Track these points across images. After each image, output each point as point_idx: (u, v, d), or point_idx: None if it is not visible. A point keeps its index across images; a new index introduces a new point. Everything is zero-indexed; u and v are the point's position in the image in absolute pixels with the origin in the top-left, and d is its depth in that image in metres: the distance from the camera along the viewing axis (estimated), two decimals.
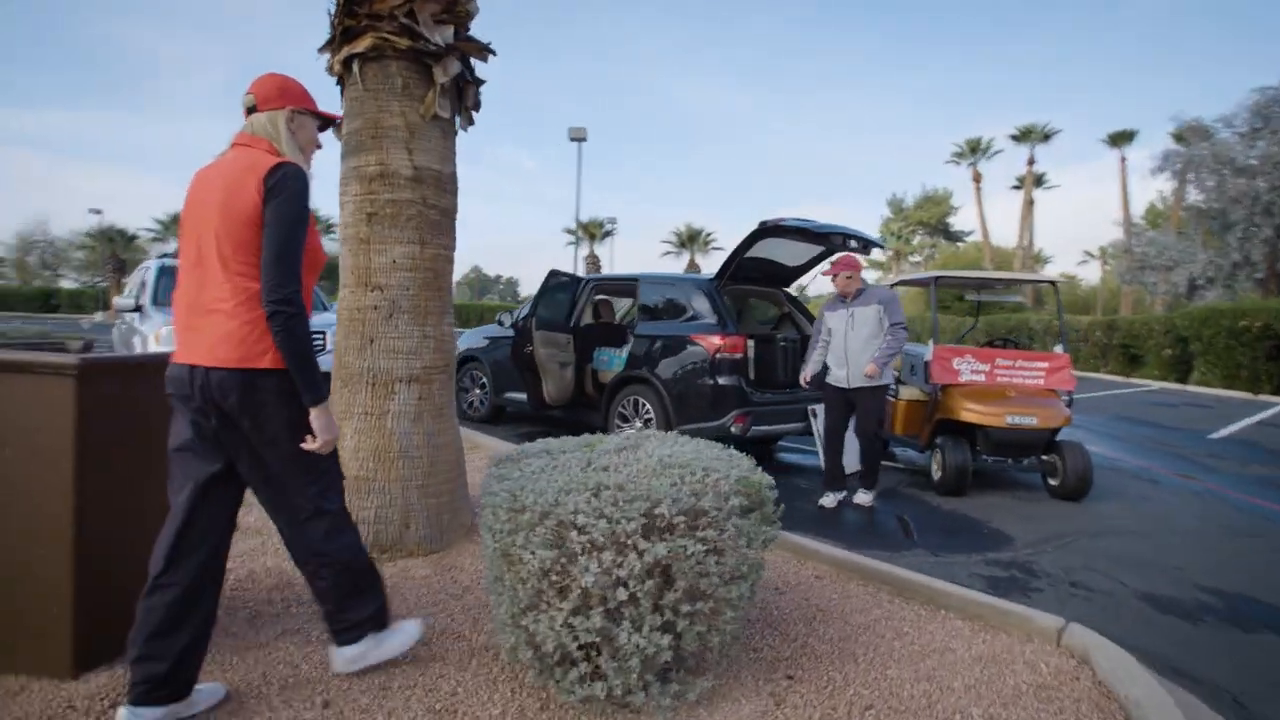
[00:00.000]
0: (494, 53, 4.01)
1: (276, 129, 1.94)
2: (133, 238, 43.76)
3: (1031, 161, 35.51)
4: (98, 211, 39.40)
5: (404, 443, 3.61)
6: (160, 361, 2.06)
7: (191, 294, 1.85)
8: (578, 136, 20.75)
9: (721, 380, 5.37)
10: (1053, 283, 5.90)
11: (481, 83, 4.12)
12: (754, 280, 6.38)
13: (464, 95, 3.90)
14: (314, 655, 2.40)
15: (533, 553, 1.99)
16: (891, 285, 6.48)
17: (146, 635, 1.83)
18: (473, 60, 4.05)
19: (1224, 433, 9.27)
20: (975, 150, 37.55)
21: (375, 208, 3.61)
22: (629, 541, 1.96)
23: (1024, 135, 35.46)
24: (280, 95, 1.97)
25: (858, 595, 3.17)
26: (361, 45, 3.54)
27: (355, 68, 3.62)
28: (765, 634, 2.73)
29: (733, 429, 5.35)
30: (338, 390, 3.71)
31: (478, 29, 3.90)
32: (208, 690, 2.04)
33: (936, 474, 5.38)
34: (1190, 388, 15.68)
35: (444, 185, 3.77)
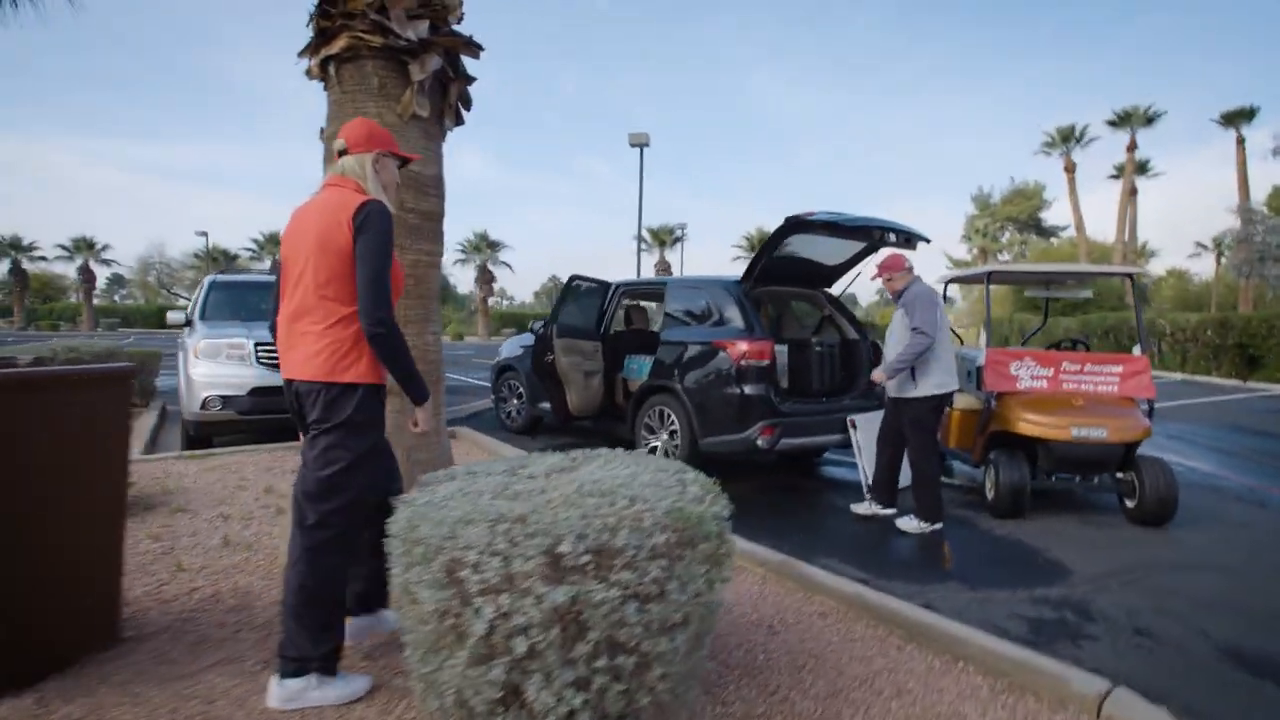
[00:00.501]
0: (482, 47, 3.82)
1: (364, 170, 2.18)
2: (234, 257, 46.97)
3: (1133, 147, 32.73)
4: (203, 234, 42.40)
5: None
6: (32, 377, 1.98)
7: (290, 317, 2.11)
8: (638, 142, 20.56)
9: (747, 389, 4.99)
10: (1129, 275, 5.18)
11: (470, 80, 3.94)
12: (791, 280, 5.95)
13: (448, 93, 3.73)
14: (238, 689, 2.23)
15: (427, 592, 1.74)
16: (942, 281, 5.91)
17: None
18: (464, 58, 3.89)
19: None
20: (1068, 139, 34.98)
21: None
22: (526, 585, 1.68)
23: (1123, 120, 32.73)
24: (368, 140, 2.22)
25: (863, 639, 2.75)
26: (336, 46, 3.42)
27: (332, 70, 3.50)
28: (742, 684, 2.38)
29: (759, 442, 4.95)
30: None
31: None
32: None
33: (990, 493, 4.80)
34: None
35: (425, 188, 3.60)
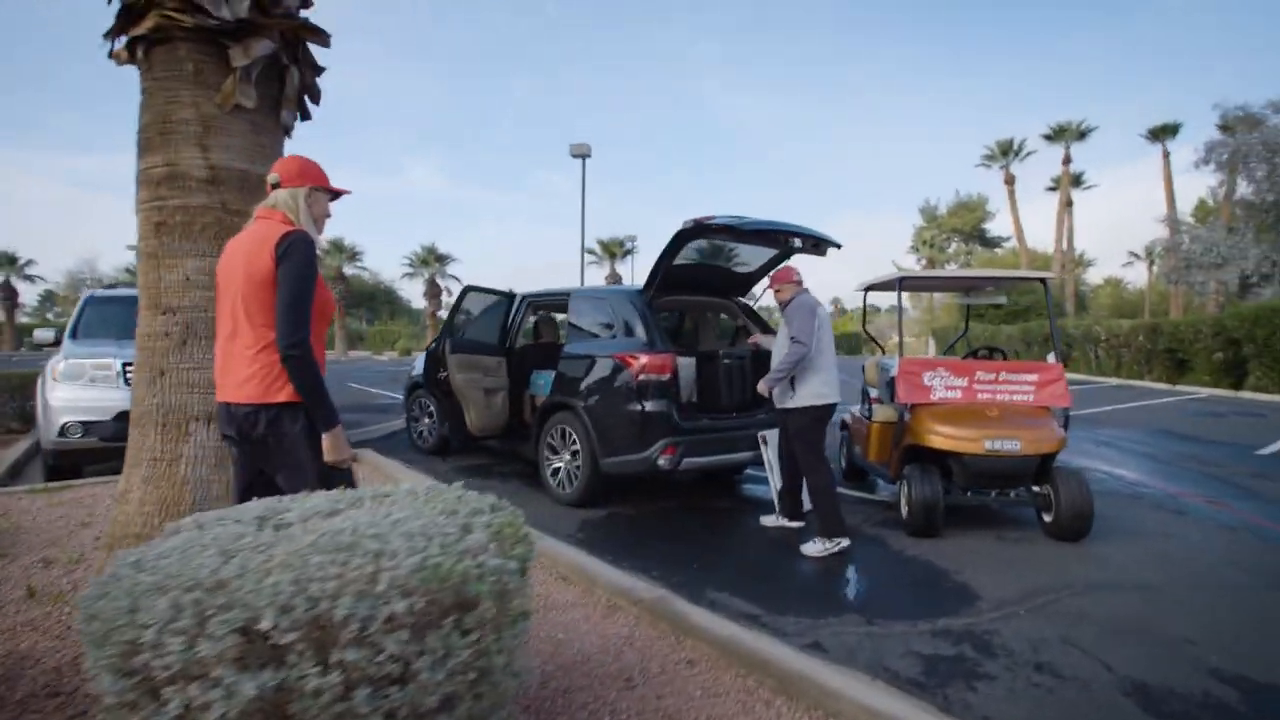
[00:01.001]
0: (327, 34, 3.43)
1: (296, 204, 2.26)
2: None
3: (1067, 160, 33.79)
4: (133, 248, 40.55)
5: (200, 494, 3.01)
6: None
7: (225, 344, 2.20)
8: (580, 153, 20.26)
9: (647, 406, 4.66)
10: (1041, 279, 5.03)
11: (319, 70, 3.55)
12: (702, 289, 5.66)
13: (285, 83, 3.33)
14: None
15: (107, 679, 1.34)
16: (862, 289, 5.69)
17: None
18: (313, 47, 3.49)
19: (1276, 447, 8.11)
20: (1006, 152, 36.00)
21: (163, 216, 3.04)
22: (215, 672, 1.29)
23: (1058, 134, 33.82)
24: (300, 175, 2.30)
25: (729, 693, 2.41)
26: (144, 26, 2.99)
27: (141, 53, 3.07)
28: None
29: (660, 462, 4.62)
30: (130, 432, 3.14)
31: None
32: None
33: (904, 510, 4.55)
34: (1244, 394, 14.25)
35: (252, 187, 3.18)
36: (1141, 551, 4.22)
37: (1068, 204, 34.17)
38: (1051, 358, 4.83)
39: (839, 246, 5.12)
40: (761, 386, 4.33)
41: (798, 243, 4.82)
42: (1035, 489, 4.54)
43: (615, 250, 41.21)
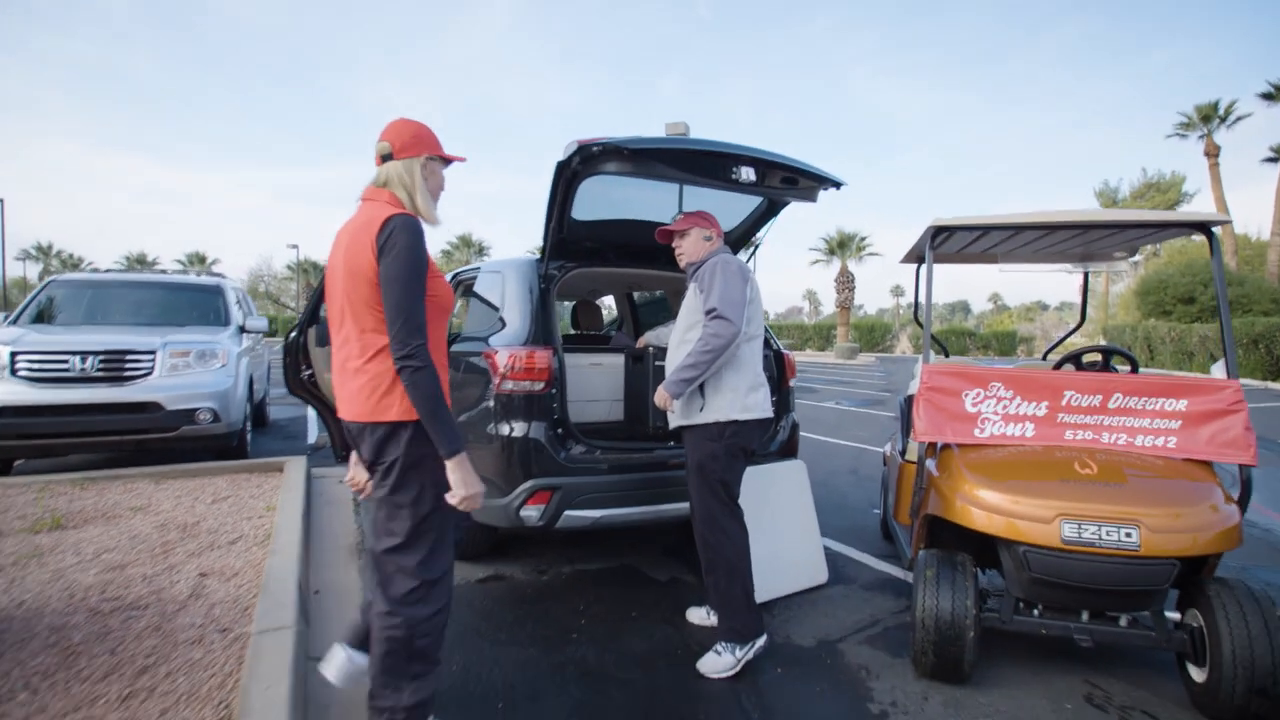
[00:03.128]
0: None
1: (413, 177, 1.91)
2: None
3: None
4: (294, 246, 44.19)
5: None
6: None
7: (339, 353, 1.93)
8: (676, 133, 18.67)
9: (506, 427, 3.06)
10: (1203, 226, 2.77)
11: None
12: (643, 258, 3.94)
13: None
14: None
15: None
16: (908, 260, 3.69)
17: None
18: None
19: None
20: (1209, 118, 29.67)
21: None
22: None
23: None
24: (415, 143, 1.93)
25: None
26: None
27: None
28: None
29: (523, 514, 3.01)
30: None
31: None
32: None
33: (913, 629, 2.62)
34: None
35: None
36: None
37: None
38: (1219, 369, 2.66)
39: (839, 185, 3.22)
40: (661, 394, 2.67)
41: (746, 174, 2.99)
42: (1173, 616, 2.45)
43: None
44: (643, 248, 3.78)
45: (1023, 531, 2.35)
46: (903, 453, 3.56)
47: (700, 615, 3.01)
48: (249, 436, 6.42)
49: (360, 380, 1.84)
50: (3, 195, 18.25)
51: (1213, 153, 29.66)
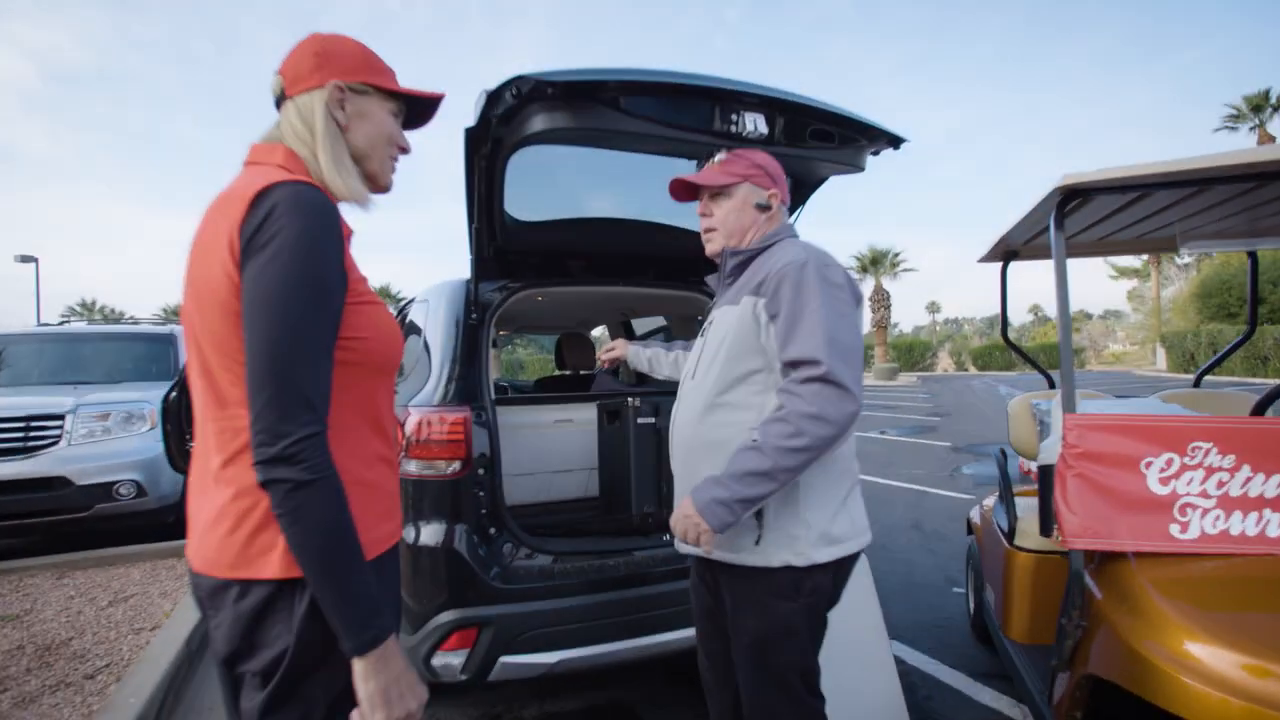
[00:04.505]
0: None
1: (313, 120, 1.04)
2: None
3: None
4: None
5: None
6: None
7: (197, 444, 1.04)
8: None
9: (411, 531, 2.03)
10: None
11: None
12: (618, 272, 2.89)
13: None
14: None
15: None
16: (988, 260, 2.63)
17: None
18: None
19: None
20: (1260, 108, 27.98)
21: None
22: None
23: None
24: (322, 66, 1.05)
25: None
26: None
27: None
28: None
29: (435, 662, 1.96)
30: None
31: None
32: None
33: None
34: None
35: None
36: None
37: None
38: None
39: (896, 142, 2.14)
40: (689, 519, 1.35)
41: (753, 124, 1.93)
42: None
43: None
44: (625, 255, 2.76)
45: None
46: (1008, 534, 2.43)
47: None
48: None
49: (219, 500, 0.97)
50: (38, 254, 18.26)
51: (1267, 141, 27.90)
